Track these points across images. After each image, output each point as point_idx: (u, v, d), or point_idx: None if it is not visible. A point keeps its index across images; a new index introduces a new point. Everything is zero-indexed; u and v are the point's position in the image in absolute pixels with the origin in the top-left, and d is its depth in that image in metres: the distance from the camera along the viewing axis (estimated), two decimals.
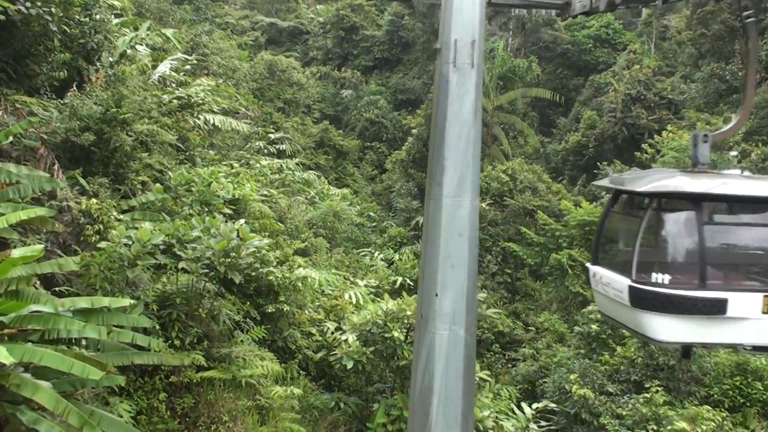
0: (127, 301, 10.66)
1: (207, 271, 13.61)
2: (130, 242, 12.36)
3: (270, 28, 74.86)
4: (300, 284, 17.20)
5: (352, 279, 24.48)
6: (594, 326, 20.91)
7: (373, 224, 39.66)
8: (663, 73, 54.86)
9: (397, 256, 36.64)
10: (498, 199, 35.53)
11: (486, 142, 41.74)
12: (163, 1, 37.59)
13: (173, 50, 26.97)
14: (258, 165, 33.37)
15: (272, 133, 45.92)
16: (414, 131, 45.61)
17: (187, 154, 21.64)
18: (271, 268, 16.78)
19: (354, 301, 19.65)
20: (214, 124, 26.08)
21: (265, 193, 28.31)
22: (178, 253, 13.02)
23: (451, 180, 9.58)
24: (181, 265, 12.83)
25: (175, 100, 20.99)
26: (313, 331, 18.12)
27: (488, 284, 32.16)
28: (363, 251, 35.91)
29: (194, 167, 20.86)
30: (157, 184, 16.57)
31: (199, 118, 25.14)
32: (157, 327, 12.65)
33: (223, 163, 23.91)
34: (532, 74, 40.69)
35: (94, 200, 13.31)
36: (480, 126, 10.05)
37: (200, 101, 24.61)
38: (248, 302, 16.56)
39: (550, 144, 55.08)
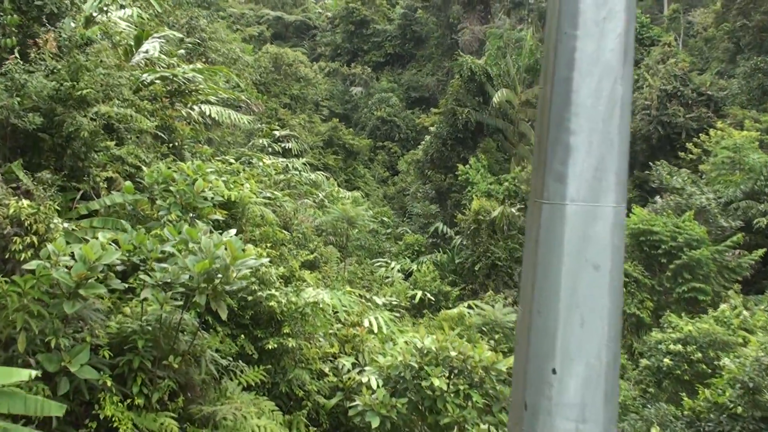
0: (25, 375, 6.87)
1: (183, 300, 9.90)
2: (73, 262, 8.65)
3: (276, 22, 71.29)
4: (309, 311, 13.45)
5: (368, 297, 20.68)
6: (666, 360, 17.09)
7: (388, 231, 35.94)
8: (693, 70, 51.16)
9: (414, 267, 33.00)
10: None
11: (512, 140, 37.96)
12: None
13: (160, 27, 23.27)
14: (261, 164, 29.70)
15: (277, 130, 42.16)
16: (432, 128, 41.96)
17: (173, 146, 17.91)
18: (273, 291, 13.07)
19: (376, 329, 15.86)
20: (211, 116, 22.41)
21: (269, 195, 24.61)
22: (143, 277, 9.30)
23: (581, 170, 5.58)
24: (144, 294, 9.09)
25: (158, 81, 17.27)
26: (326, 368, 14.34)
27: None
28: (378, 261, 32.23)
29: (179, 163, 17.13)
30: (128, 182, 12.84)
31: (193, 109, 21.49)
32: (109, 383, 8.89)
33: (217, 159, 20.16)
34: None
35: (25, 202, 9.54)
36: (631, 77, 6.22)
37: (194, 88, 21.00)
38: (243, 335, 12.82)
39: None
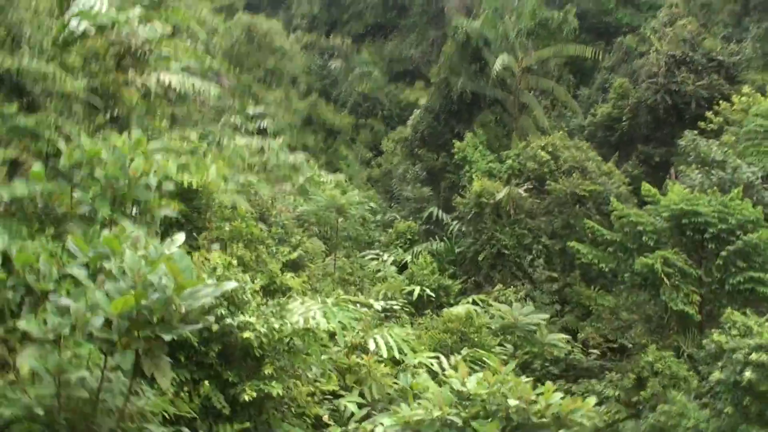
0: None
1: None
2: None
3: None
4: (298, 341, 9.74)
5: (364, 302, 16.86)
6: (748, 373, 13.58)
7: (377, 218, 32.18)
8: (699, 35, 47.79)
9: (409, 258, 29.28)
10: (537, 183, 28.14)
11: (511, 112, 34.28)
12: None
13: None
14: (233, 144, 25.75)
15: (251, 107, 38.07)
16: (421, 102, 38.16)
17: (116, 119, 14.07)
18: (248, 317, 9.33)
19: (384, 352, 12.12)
20: (171, 86, 18.43)
21: (241, 180, 20.79)
22: (23, 325, 5.52)
23: None
24: (23, 360, 5.33)
25: (94, 30, 13.33)
26: (323, 412, 10.66)
27: (536, 296, 24.80)
28: (368, 254, 28.51)
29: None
30: (36, 166, 8.99)
31: (149, 77, 17.55)
32: None
33: (173, 136, 16.22)
34: (569, 28, 33.29)
35: None
36: None
37: (147, 49, 17.13)
38: (207, 381, 9.08)
39: (572, 119, 47.64)
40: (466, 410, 8.21)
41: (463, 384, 8.43)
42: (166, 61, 18.47)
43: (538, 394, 8.17)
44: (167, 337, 5.53)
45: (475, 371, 18.28)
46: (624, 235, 20.72)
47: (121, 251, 6.10)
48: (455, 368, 8.92)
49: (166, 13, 17.36)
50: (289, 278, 15.23)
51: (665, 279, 18.49)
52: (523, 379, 8.60)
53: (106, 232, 6.73)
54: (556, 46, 33.17)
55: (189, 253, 13.80)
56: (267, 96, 41.69)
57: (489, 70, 34.24)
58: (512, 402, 7.98)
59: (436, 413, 8.06)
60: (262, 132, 35.76)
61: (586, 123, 45.13)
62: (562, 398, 8.18)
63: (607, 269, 21.40)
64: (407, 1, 61.92)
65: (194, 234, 14.08)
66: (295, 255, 17.78)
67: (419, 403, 8.60)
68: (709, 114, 31.50)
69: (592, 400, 8.23)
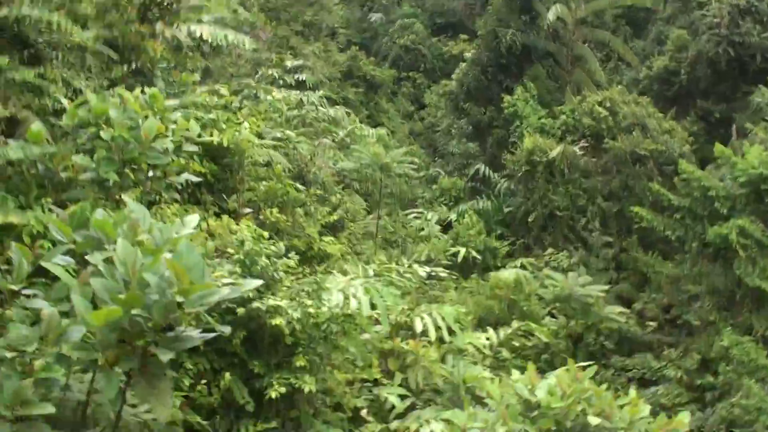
0: None
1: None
2: None
3: None
4: (336, 327, 8.47)
5: (407, 270, 15.42)
6: None
7: (421, 175, 30.70)
8: None
9: (453, 217, 27.89)
10: (593, 141, 26.32)
11: (564, 65, 32.29)
12: None
13: None
14: (269, 98, 24.36)
15: (289, 60, 36.51)
16: (467, 55, 36.22)
17: (136, 71, 12.79)
18: (279, 300, 8.06)
19: (433, 335, 10.80)
20: (202, 38, 17.03)
21: (278, 135, 19.45)
22: None
23: None
24: None
25: None
26: (362, 405, 9.45)
27: (590, 261, 23.25)
28: (411, 212, 27.15)
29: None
30: (35, 125, 7.75)
31: (180, 30, 16.18)
32: None
33: (202, 90, 14.85)
34: None
35: None
36: None
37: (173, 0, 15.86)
38: (229, 372, 7.87)
39: (626, 72, 45.20)
40: (535, 425, 6.86)
41: (532, 391, 7.06)
42: (197, 12, 17.11)
43: (621, 406, 6.80)
44: (165, 357, 4.24)
45: (526, 348, 17.11)
46: (693, 200, 18.95)
47: (115, 234, 4.81)
48: (523, 371, 7.49)
49: None
50: (329, 243, 13.97)
51: (740, 250, 16.79)
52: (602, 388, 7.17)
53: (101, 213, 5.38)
54: None
55: (218, 216, 12.64)
56: (305, 49, 40.17)
57: (540, 21, 32.20)
58: (593, 420, 6.60)
59: (500, 429, 6.72)
60: (300, 85, 34.35)
61: (641, 76, 42.82)
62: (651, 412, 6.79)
63: (673, 237, 19.67)
64: None
65: (224, 196, 12.84)
66: (335, 217, 16.47)
67: (476, 412, 7.27)
68: None
69: (686, 417, 6.82)
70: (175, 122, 8.26)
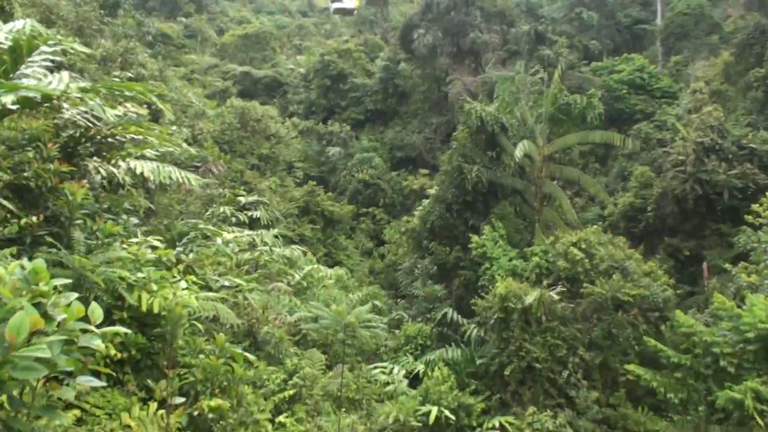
0: None
1: None
2: None
3: (243, 78, 64.52)
4: None
5: None
6: None
7: (384, 321, 28.31)
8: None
9: (421, 367, 25.40)
10: (569, 285, 24.44)
11: (532, 203, 30.90)
12: (94, 17, 26.59)
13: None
14: (219, 240, 22.05)
15: (243, 195, 34.61)
16: (431, 191, 34.74)
17: (52, 220, 10.53)
18: None
19: None
20: (143, 175, 14.86)
21: (227, 284, 17.04)
22: None
23: None
24: None
25: (33, 97, 9.91)
26: None
27: (580, 424, 20.76)
28: (376, 366, 24.55)
29: (58, 252, 9.84)
30: None
31: (118, 166, 14.04)
32: None
33: (133, 241, 12.47)
34: (593, 113, 30.25)
35: None
36: None
37: (109, 133, 13.83)
38: None
39: (590, 208, 44.37)
40: None
41: None
42: (140, 147, 15.09)
43: None
44: None
45: None
46: (694, 358, 16.87)
47: None
48: None
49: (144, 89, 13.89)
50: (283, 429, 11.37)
51: (758, 418, 14.60)
52: None
53: None
54: (581, 133, 30.00)
55: (145, 402, 10.05)
56: (260, 183, 38.48)
57: (506, 157, 31.10)
58: None
59: None
60: (255, 223, 32.32)
61: (606, 213, 41.96)
62: None
63: (676, 401, 17.41)
64: (408, 88, 59.86)
65: (153, 377, 10.32)
66: (290, 392, 13.87)
67: None
68: (755, 206, 28.14)
69: None
70: (68, 306, 5.86)
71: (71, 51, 14.12)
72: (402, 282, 37.14)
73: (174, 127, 30.57)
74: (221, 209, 31.16)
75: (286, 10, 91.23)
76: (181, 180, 15.75)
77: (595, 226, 26.57)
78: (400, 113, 59.77)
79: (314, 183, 44.74)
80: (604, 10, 63.03)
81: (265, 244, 26.84)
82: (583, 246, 24.84)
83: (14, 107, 9.65)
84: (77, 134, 13.50)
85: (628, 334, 22.55)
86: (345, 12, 55.61)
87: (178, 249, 16.07)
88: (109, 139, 14.24)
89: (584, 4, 61.56)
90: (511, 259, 26.84)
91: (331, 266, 38.65)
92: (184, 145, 16.65)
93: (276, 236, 28.71)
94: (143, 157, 14.94)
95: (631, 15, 66.95)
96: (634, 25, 66.72)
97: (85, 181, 12.51)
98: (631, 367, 18.70)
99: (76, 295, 6.19)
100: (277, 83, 67.15)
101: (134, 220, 15.33)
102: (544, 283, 24.22)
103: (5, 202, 9.08)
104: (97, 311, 6.20)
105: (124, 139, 14.85)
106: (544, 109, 30.36)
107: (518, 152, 27.54)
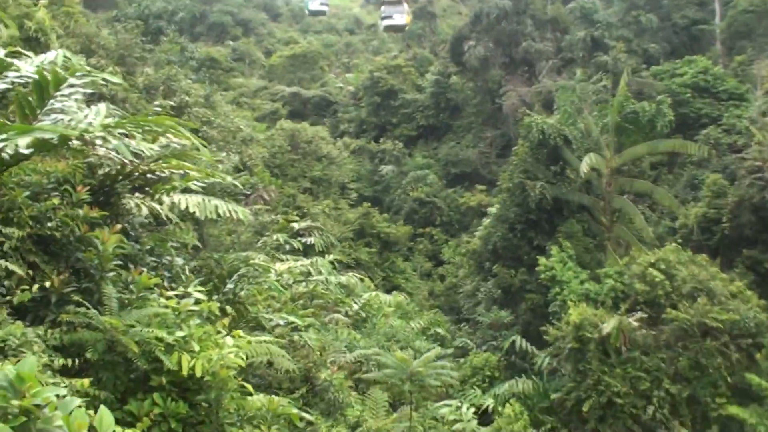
0: None
1: None
2: None
3: (292, 98, 63.76)
4: None
5: None
6: None
7: (448, 351, 26.69)
8: None
9: (490, 402, 23.70)
10: (648, 309, 22.51)
11: (602, 219, 29.00)
12: (136, 44, 25.76)
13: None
14: (271, 275, 20.74)
15: (296, 221, 33.47)
16: (492, 209, 33.05)
17: (80, 275, 9.33)
18: None
19: None
20: (188, 210, 13.61)
21: (281, 322, 15.70)
22: None
23: None
24: None
25: (50, 139, 8.80)
26: None
27: None
28: (443, 404, 22.93)
29: (87, 311, 8.61)
30: None
31: (161, 201, 12.83)
32: None
33: (175, 292, 11.14)
34: (663, 121, 28.25)
35: None
36: None
37: (149, 168, 12.63)
38: None
39: (660, 221, 41.94)
40: None
41: None
42: (186, 179, 13.86)
43: None
44: None
45: None
46: None
47: None
48: None
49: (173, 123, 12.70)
50: None
51: None
52: None
53: None
54: (651, 142, 27.99)
55: None
56: (313, 208, 37.38)
57: (571, 172, 29.29)
58: None
59: None
60: (309, 249, 31.15)
61: (677, 225, 39.62)
62: None
63: None
64: (460, 102, 58.29)
65: None
66: None
67: None
68: None
69: None
70: (69, 415, 4.52)
71: (102, 82, 13.00)
72: (464, 306, 35.48)
73: (223, 154, 29.67)
74: (274, 237, 30.03)
75: (333, 29, 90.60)
76: (228, 214, 14.42)
77: (673, 244, 24.53)
78: (453, 128, 58.20)
79: (369, 205, 43.37)
80: (659, 12, 60.58)
81: (320, 272, 25.56)
82: (663, 266, 22.89)
83: (27, 151, 8.43)
84: (113, 172, 12.35)
85: (718, 364, 20.54)
86: (396, 29, 53.87)
87: (228, 286, 14.89)
88: (149, 175, 13.04)
89: (639, 7, 59.28)
90: (582, 282, 25.00)
91: (389, 290, 37.21)
92: (229, 178, 15.38)
93: (331, 262, 27.45)
94: (188, 190, 13.70)
95: (687, 16, 64.13)
96: (691, 26, 63.96)
97: (119, 226, 11.29)
98: (734, 409, 16.78)
99: (78, 401, 4.86)
100: (326, 102, 66.29)
101: (179, 260, 14.07)
102: (622, 308, 22.35)
103: (16, 267, 7.83)
104: (106, 419, 4.88)
105: (164, 174, 13.64)
106: (609, 119, 28.46)
107: (584, 166, 25.74)
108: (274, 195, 33.76)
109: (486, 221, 32.44)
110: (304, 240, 31.08)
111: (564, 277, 25.00)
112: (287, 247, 29.13)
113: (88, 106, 12.05)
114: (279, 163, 40.96)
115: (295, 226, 32.05)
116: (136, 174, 12.83)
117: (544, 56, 53.28)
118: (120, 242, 10.75)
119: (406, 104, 59.48)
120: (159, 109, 17.90)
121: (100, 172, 12.28)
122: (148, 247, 13.31)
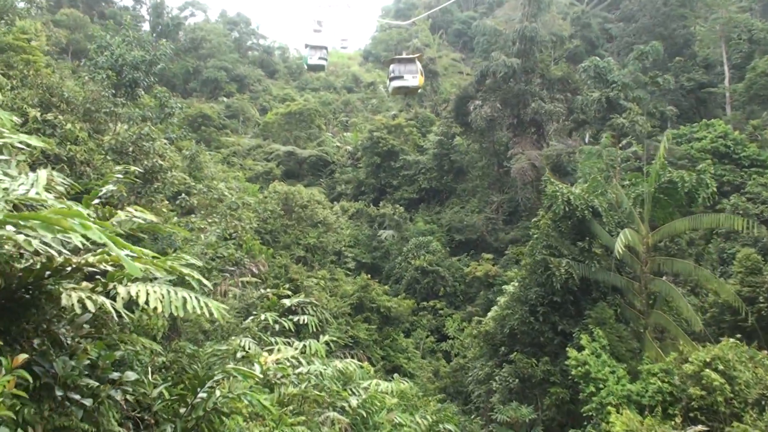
0: None
1: None
2: None
3: (287, 158, 60.72)
4: None
5: None
6: None
7: None
8: None
9: None
10: (705, 419, 18.82)
11: (637, 304, 25.45)
12: (105, 98, 22.32)
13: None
14: (256, 365, 17.10)
15: (288, 296, 29.60)
16: (509, 287, 29.48)
17: None
18: None
19: None
20: (147, 303, 10.07)
21: None
22: None
23: None
24: None
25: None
26: None
27: None
28: None
29: None
30: None
31: (116, 294, 9.30)
32: None
33: None
34: (706, 193, 24.99)
35: None
36: None
37: (74, 261, 9.12)
38: None
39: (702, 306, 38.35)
40: None
41: None
42: (147, 262, 10.37)
43: None
44: None
45: None
46: None
47: None
48: None
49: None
50: None
51: None
52: None
53: None
54: (693, 216, 24.57)
55: None
56: (307, 280, 33.79)
57: (598, 247, 25.88)
58: None
59: None
60: (302, 329, 27.43)
61: (706, 303, 36.08)
62: None
63: None
64: (465, 164, 55.19)
65: None
66: None
67: None
68: None
69: None
70: None
71: (23, 146, 9.60)
72: (474, 392, 31.63)
73: (209, 220, 26.31)
74: (262, 317, 26.24)
75: (331, 86, 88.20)
76: (199, 310, 10.69)
77: (731, 340, 20.91)
78: (458, 191, 55.07)
79: (368, 276, 39.69)
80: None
81: (310, 361, 21.73)
82: (720, 366, 19.29)
83: None
84: (38, 266, 8.83)
85: None
86: (407, 91, 48.88)
87: (200, 395, 11.21)
88: (87, 269, 9.49)
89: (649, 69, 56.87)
90: (619, 380, 21.32)
91: (389, 371, 33.51)
92: (196, 274, 11.95)
93: (327, 343, 23.61)
94: (147, 280, 10.11)
95: (694, 78, 61.93)
96: (699, 89, 61.67)
97: (22, 356, 7.78)
98: None
99: None
100: (323, 162, 63.26)
101: (131, 375, 10.39)
102: (676, 418, 18.64)
103: None
104: None
105: (106, 268, 10.09)
106: (645, 189, 25.12)
107: (619, 244, 22.30)
108: (264, 268, 30.21)
109: (501, 300, 28.85)
110: (296, 319, 27.39)
111: (600, 374, 21.33)
112: (276, 327, 25.37)
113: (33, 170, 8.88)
114: (271, 229, 37.52)
115: (287, 302, 28.33)
116: (69, 268, 9.32)
117: (554, 117, 50.42)
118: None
119: (407, 165, 56.48)
120: (120, 176, 14.43)
121: (18, 266, 8.81)
122: (87, 361, 9.68)
